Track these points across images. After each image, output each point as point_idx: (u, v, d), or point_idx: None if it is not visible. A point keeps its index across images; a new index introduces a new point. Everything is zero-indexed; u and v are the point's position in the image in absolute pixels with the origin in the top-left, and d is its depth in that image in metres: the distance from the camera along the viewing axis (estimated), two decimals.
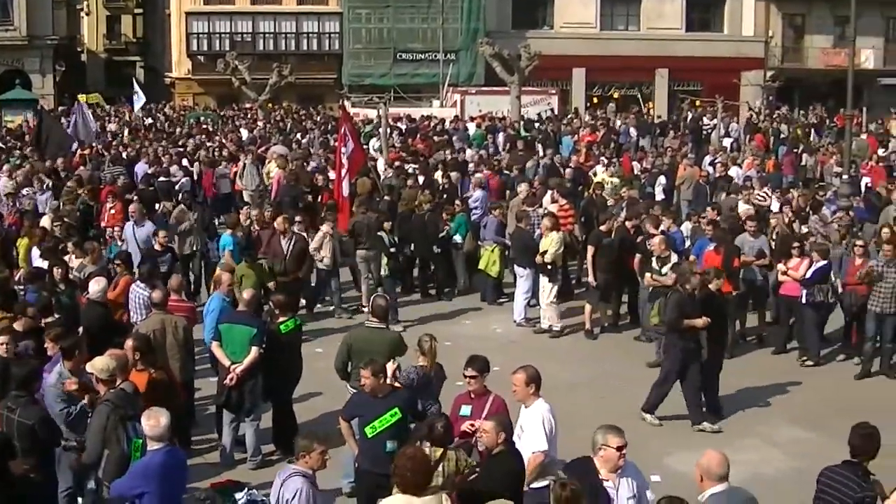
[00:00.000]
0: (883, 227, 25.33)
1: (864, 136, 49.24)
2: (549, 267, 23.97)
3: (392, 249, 24.83)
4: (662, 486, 15.48)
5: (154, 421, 11.42)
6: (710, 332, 18.76)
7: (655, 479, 15.52)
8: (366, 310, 20.94)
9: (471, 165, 36.78)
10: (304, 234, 24.78)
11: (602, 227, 24.57)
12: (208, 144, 43.39)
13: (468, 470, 11.99)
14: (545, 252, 23.89)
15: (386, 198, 29.35)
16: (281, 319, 17.29)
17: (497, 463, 11.53)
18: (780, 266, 22.94)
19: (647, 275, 22.34)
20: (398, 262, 25.26)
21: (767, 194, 31.04)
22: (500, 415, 12.26)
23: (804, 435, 18.22)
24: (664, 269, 22.04)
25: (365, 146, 41.57)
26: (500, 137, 47.88)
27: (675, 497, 10.08)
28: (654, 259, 22.33)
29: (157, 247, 22.93)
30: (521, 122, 51.79)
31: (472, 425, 12.78)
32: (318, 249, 24.75)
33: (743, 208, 28.44)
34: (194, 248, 25.97)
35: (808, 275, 22.06)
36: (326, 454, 11.24)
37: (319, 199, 30.59)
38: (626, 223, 24.96)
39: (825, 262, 22.21)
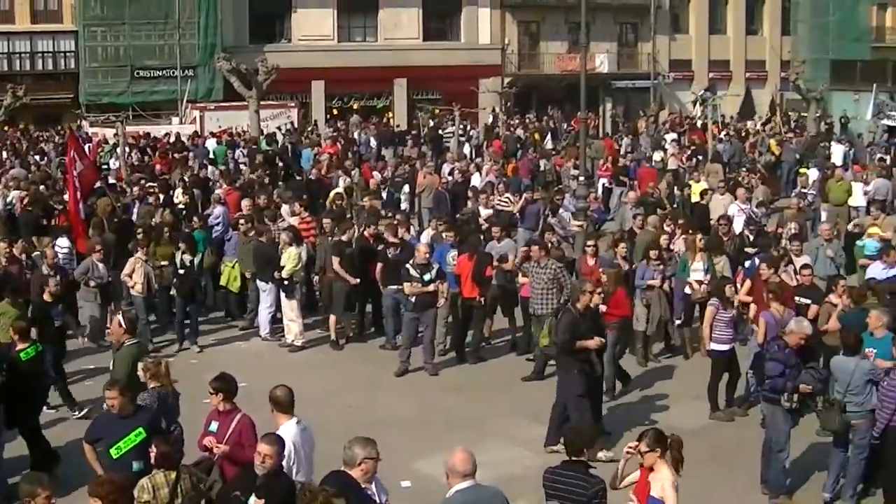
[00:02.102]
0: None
1: (600, 139, 50.69)
2: (287, 282, 23.92)
3: (182, 270, 24.17)
4: (413, 491, 15.65)
5: None
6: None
7: (406, 484, 15.65)
8: None
9: (212, 182, 36.41)
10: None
11: (343, 237, 24.61)
12: None
13: (206, 486, 11.88)
14: (283, 267, 23.87)
15: (124, 217, 28.81)
16: (20, 347, 16.90)
17: (277, 485, 11.35)
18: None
19: (407, 284, 22.25)
20: (188, 283, 24.35)
21: (509, 199, 31.53)
22: (272, 435, 12.02)
23: (543, 431, 18.53)
24: (426, 277, 22.16)
25: (105, 166, 40.92)
26: (239, 153, 47.59)
27: None
28: (411, 268, 22.34)
29: None
30: (262, 137, 51.51)
31: (212, 442, 12.72)
32: (129, 275, 23.84)
33: (485, 213, 28.83)
34: None
35: None
36: (52, 499, 10.71)
37: (54, 222, 29.71)
38: (365, 232, 25.06)
39: (561, 265, 22.75)
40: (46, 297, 20.70)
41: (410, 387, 21.75)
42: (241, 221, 26.16)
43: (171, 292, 24.38)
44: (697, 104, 52.57)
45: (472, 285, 22.97)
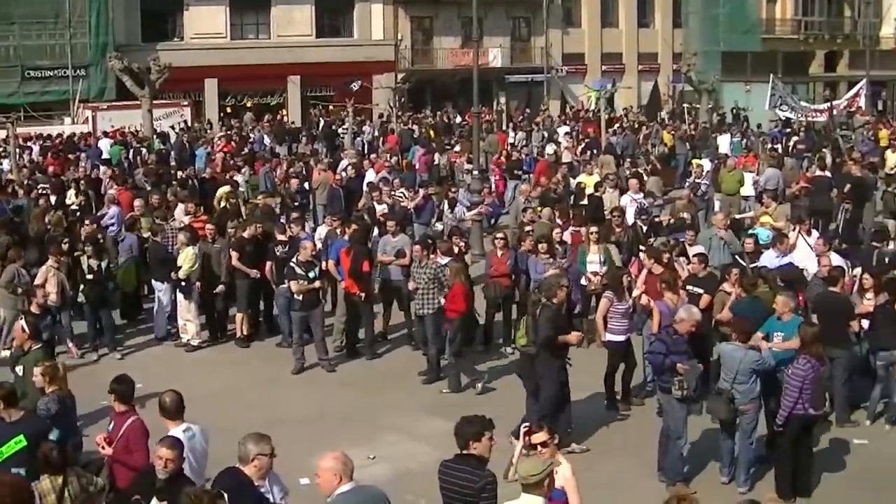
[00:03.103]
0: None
1: (494, 133, 50.87)
2: (184, 283, 23.75)
3: (90, 276, 23.50)
4: (312, 488, 15.53)
5: None
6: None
7: (304, 481, 15.57)
8: None
9: (105, 182, 36.01)
10: None
11: (245, 234, 24.47)
12: None
13: (95, 488, 11.77)
14: (180, 268, 23.71)
15: (16, 220, 28.45)
16: None
17: (178, 488, 11.24)
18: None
19: (293, 282, 22.08)
20: (96, 289, 23.60)
21: (404, 194, 31.55)
22: (170, 438, 11.87)
23: (446, 426, 18.54)
24: (311, 275, 22.09)
25: None
26: (132, 153, 47.19)
27: None
28: (296, 266, 22.24)
29: None
30: (155, 136, 51.07)
31: (100, 441, 12.64)
32: (41, 286, 22.38)
33: (379, 209, 28.83)
34: None
35: None
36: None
37: None
38: (257, 230, 24.93)
39: (449, 258, 22.74)
40: None
41: (307, 384, 21.71)
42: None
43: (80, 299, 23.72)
44: (601, 97, 52.80)
45: (350, 281, 22.99)
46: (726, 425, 16.25)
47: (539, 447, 11.26)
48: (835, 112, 54.25)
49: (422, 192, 32.19)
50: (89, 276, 23.50)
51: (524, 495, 10.62)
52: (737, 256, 23.80)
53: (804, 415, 15.69)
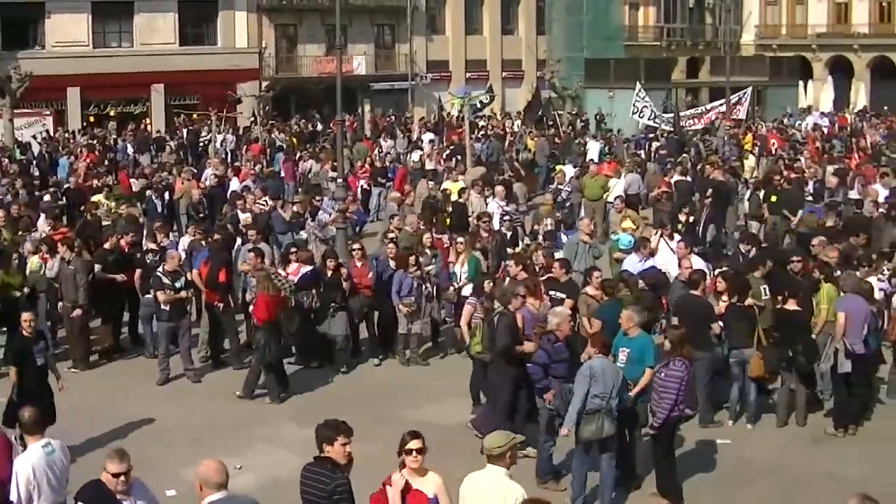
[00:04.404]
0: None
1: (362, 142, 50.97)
2: (30, 294, 23.44)
3: None
4: (179, 499, 15.55)
5: None
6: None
7: (171, 493, 15.54)
8: None
9: None
10: None
11: (106, 245, 24.21)
12: None
13: None
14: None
15: None
16: None
17: None
18: (280, 272, 23.37)
19: (160, 292, 21.91)
20: None
21: (266, 202, 31.47)
22: None
23: (312, 434, 18.57)
24: (178, 284, 21.98)
25: None
26: None
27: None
28: (162, 275, 22.05)
29: None
30: (16, 146, 50.29)
31: None
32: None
33: (242, 217, 28.73)
34: None
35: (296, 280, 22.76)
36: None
37: None
38: (122, 241, 24.69)
39: (310, 267, 23.19)
40: None
41: (173, 395, 21.59)
42: None
43: None
44: (466, 104, 52.92)
45: (209, 290, 22.95)
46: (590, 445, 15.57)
47: (415, 453, 11.25)
48: (714, 118, 54.83)
49: (282, 200, 32.23)
50: None
51: (489, 466, 11.46)
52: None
53: (679, 415, 15.96)
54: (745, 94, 56.75)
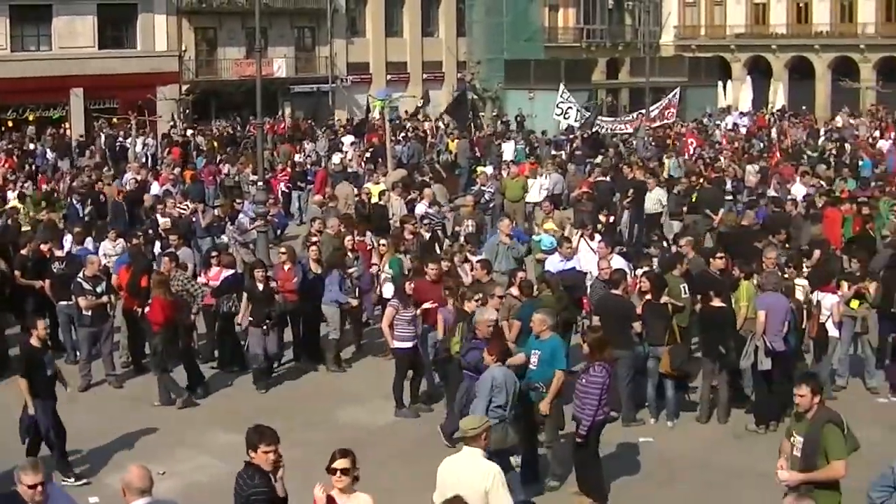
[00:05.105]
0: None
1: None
2: None
3: None
4: None
5: None
6: None
7: (94, 500, 15.47)
8: None
9: None
10: None
11: (23, 251, 24.02)
12: None
13: None
14: None
15: None
16: None
17: None
18: (201, 278, 23.32)
19: (82, 298, 21.69)
20: None
21: (187, 206, 31.36)
22: None
23: (236, 438, 18.50)
24: (99, 289, 21.80)
25: None
26: None
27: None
28: (83, 281, 21.84)
29: None
30: None
31: None
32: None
33: (162, 221, 28.62)
34: None
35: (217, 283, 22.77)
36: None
37: None
38: (42, 246, 24.50)
39: (232, 271, 23.26)
40: None
41: (95, 401, 21.41)
42: None
43: None
44: (386, 106, 52.80)
45: (128, 296, 22.79)
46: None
47: (339, 473, 11.11)
48: (645, 122, 54.98)
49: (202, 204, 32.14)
50: None
51: (465, 448, 12.13)
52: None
53: (605, 418, 16.05)
54: (674, 94, 56.90)
